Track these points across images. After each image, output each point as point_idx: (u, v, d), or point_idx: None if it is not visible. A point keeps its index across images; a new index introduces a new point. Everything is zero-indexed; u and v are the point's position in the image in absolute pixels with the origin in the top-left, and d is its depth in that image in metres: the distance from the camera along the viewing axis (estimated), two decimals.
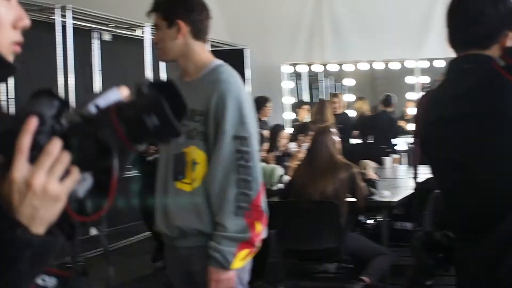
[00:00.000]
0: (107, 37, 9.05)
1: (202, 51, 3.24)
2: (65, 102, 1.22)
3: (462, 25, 2.64)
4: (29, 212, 1.18)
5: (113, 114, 1.19)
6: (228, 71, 3.21)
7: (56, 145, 1.18)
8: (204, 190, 3.13)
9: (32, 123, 1.17)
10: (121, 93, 1.24)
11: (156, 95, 1.20)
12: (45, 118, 1.18)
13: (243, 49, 10.90)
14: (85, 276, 2.01)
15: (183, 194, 3.17)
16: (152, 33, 8.22)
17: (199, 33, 3.22)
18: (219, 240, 3.06)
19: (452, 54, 2.67)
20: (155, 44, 3.28)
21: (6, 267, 1.17)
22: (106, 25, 8.85)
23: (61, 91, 7.43)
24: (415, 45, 10.88)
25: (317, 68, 11.71)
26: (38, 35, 7.76)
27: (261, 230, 3.14)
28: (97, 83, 8.83)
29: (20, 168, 1.17)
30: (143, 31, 8.87)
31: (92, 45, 8.85)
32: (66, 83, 7.55)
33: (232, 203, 3.07)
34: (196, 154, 3.14)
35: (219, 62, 3.25)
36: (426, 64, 10.92)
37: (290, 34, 11.33)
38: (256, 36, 11.11)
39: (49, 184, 1.18)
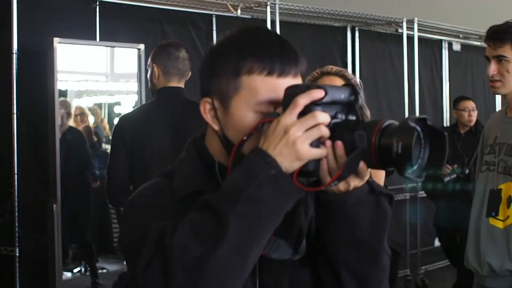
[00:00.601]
0: (456, 47, 9.17)
1: None
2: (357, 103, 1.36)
3: None
4: (275, 154, 1.30)
5: (377, 128, 1.30)
6: None
7: (323, 116, 1.31)
8: None
9: (317, 93, 1.31)
10: (425, 117, 1.33)
11: (412, 128, 1.27)
12: (328, 97, 1.32)
13: None
14: None
15: (495, 231, 3.17)
16: None
17: None
18: None
19: None
20: (491, 76, 3.20)
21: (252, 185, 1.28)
22: (454, 36, 8.99)
23: (406, 99, 7.78)
24: None
25: None
26: (387, 46, 8.22)
27: None
28: (444, 93, 9.00)
29: (288, 116, 1.30)
30: None
31: (435, 55, 9.03)
32: (410, 92, 7.84)
33: None
34: None
35: None
36: None
37: None
38: None
39: (299, 140, 1.29)
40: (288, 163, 1.30)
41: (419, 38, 7.98)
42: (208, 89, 1.45)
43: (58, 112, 4.90)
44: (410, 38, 7.80)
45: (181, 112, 3.90)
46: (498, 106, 9.00)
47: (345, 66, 7.70)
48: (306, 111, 1.31)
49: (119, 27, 5.80)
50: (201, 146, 1.51)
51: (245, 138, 1.38)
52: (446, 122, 8.90)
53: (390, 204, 1.47)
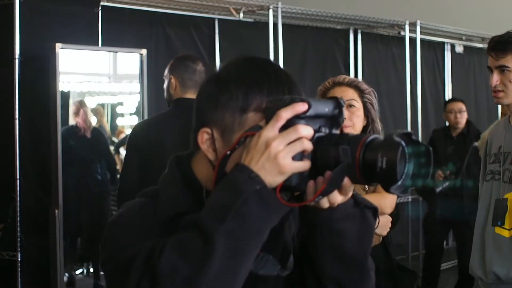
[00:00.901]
0: (459, 49, 9.18)
1: None
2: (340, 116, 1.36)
3: None
4: (257, 169, 1.29)
5: (361, 143, 1.29)
6: None
7: (306, 129, 1.30)
8: None
9: (300, 106, 1.30)
10: (410, 132, 1.33)
11: (397, 143, 1.26)
12: (312, 110, 1.31)
13: None
14: None
15: (501, 240, 3.20)
16: None
17: None
18: None
19: None
20: (494, 87, 3.23)
21: (236, 202, 1.27)
22: (457, 38, 9.00)
23: (408, 101, 7.79)
24: None
25: None
26: (389, 49, 8.23)
27: None
28: (447, 96, 9.01)
29: (270, 130, 1.30)
30: None
31: (438, 57, 9.04)
32: (412, 94, 7.85)
33: None
34: None
35: None
36: None
37: None
38: None
39: (281, 153, 1.28)
40: (271, 177, 1.29)
41: (422, 41, 7.98)
42: (209, 119, 1.43)
43: (59, 116, 4.89)
44: (413, 41, 7.81)
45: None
46: (500, 108, 9.00)
47: (347, 69, 7.72)
48: (288, 124, 1.30)
49: (121, 32, 5.81)
50: (187, 168, 1.49)
51: (228, 152, 1.38)
52: None
53: (374, 216, 1.47)
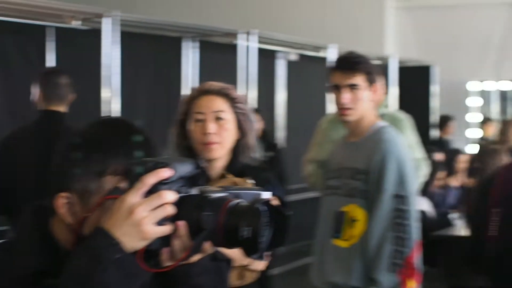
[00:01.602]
0: (293, 57, 9.35)
1: (372, 113, 3.42)
2: (202, 172, 1.37)
3: None
4: (119, 235, 1.29)
5: (224, 209, 1.31)
6: (391, 132, 3.37)
7: (170, 195, 1.30)
8: (361, 247, 3.25)
9: (165, 172, 1.30)
10: (270, 199, 1.36)
11: (260, 212, 1.30)
12: (175, 176, 1.31)
13: (430, 65, 10.86)
14: None
15: (340, 251, 3.31)
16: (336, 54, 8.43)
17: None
18: None
19: None
20: (342, 104, 3.33)
21: (94, 271, 1.26)
22: (291, 47, 9.16)
23: None
24: None
25: (507, 84, 11.38)
26: (225, 57, 8.24)
27: (413, 287, 3.24)
28: (281, 103, 9.16)
29: (134, 195, 1.30)
30: (327, 52, 9.08)
31: (276, 66, 9.19)
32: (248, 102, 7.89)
33: (387, 260, 3.19)
34: (356, 212, 3.29)
35: (383, 123, 3.42)
36: None
37: (479, 50, 11.12)
38: (444, 53, 11.02)
39: (145, 220, 1.29)
40: (133, 243, 1.29)
41: (256, 49, 8.05)
42: (67, 183, 1.40)
43: None
44: (248, 49, 7.87)
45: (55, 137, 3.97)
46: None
47: (182, 76, 7.66)
48: (152, 190, 1.30)
49: None
50: (46, 223, 1.45)
51: (87, 215, 1.37)
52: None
53: (229, 267, 1.52)
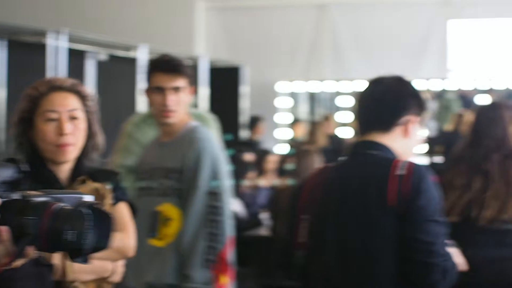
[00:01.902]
0: (102, 57, 9.20)
1: (185, 113, 3.46)
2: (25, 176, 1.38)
3: (367, 107, 2.65)
4: None
5: (48, 213, 1.30)
6: (204, 131, 3.45)
7: None
8: (176, 245, 3.31)
9: None
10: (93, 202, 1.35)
11: (84, 215, 1.31)
12: None
13: (239, 66, 11.06)
14: None
15: (155, 250, 3.36)
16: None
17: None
18: None
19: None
20: (165, 106, 3.36)
21: None
22: (102, 46, 9.02)
23: None
24: (413, 64, 10.99)
25: (315, 85, 11.80)
26: (35, 57, 7.96)
27: (226, 283, 3.33)
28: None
29: None
30: (137, 52, 9.02)
31: (85, 66, 9.01)
32: None
33: (200, 256, 3.26)
34: (171, 211, 3.35)
35: (195, 123, 3.48)
36: (423, 83, 10.99)
37: (289, 52, 11.45)
38: (254, 53, 11.26)
39: None
40: None
41: (66, 49, 7.85)
42: None
43: None
44: (58, 48, 7.66)
45: None
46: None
47: None
48: None
49: None
50: None
51: None
52: None
53: (50, 272, 1.54)
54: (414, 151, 2.66)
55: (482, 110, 3.86)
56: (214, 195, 3.30)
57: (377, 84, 2.67)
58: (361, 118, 2.67)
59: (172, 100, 3.33)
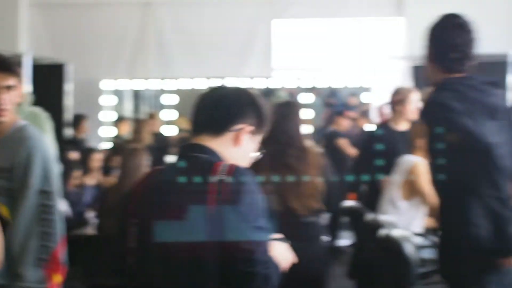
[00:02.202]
0: None
1: (13, 112, 3.43)
2: None
3: (201, 109, 2.63)
4: None
5: None
6: (33, 130, 3.42)
7: None
8: (7, 244, 3.16)
9: None
10: None
11: None
12: None
13: (63, 64, 10.88)
14: None
15: None
16: None
17: None
18: None
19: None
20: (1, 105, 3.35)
21: None
22: None
23: None
24: (238, 63, 11.22)
25: (140, 83, 11.78)
26: None
27: (59, 282, 3.33)
28: None
29: None
30: None
31: None
32: None
33: (33, 255, 3.25)
34: (1, 210, 3.29)
35: (23, 122, 3.45)
36: (248, 82, 11.21)
37: (113, 49, 11.39)
38: (79, 51, 11.11)
39: None
40: None
41: None
42: None
43: None
44: None
45: None
46: None
47: None
48: None
49: None
50: None
51: None
52: None
53: None
54: (245, 161, 2.60)
55: (276, 108, 4.14)
56: (46, 194, 3.30)
57: (218, 89, 2.68)
58: (194, 119, 2.63)
59: (4, 99, 3.34)
